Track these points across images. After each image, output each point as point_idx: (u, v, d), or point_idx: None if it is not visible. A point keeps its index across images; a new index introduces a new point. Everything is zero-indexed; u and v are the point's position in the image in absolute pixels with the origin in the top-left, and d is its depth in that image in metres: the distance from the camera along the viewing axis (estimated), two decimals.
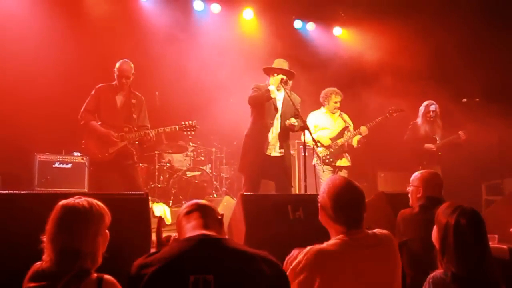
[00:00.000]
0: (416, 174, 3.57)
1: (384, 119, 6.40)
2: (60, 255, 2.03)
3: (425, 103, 6.84)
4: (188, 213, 2.11)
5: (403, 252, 3.35)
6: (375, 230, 2.37)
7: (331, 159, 6.20)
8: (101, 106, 5.47)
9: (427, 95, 6.98)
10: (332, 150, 6.20)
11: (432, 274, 2.29)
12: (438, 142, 6.82)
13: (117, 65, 5.52)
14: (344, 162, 6.36)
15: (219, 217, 2.14)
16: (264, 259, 1.88)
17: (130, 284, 1.77)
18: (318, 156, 6.26)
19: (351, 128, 6.41)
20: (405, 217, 3.41)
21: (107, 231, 2.18)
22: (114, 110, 5.48)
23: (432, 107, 6.75)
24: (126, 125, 5.47)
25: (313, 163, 6.29)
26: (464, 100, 6.80)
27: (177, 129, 5.65)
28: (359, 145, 6.34)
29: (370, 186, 8.31)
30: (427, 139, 6.78)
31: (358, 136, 6.26)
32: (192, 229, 1.99)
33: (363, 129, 6.21)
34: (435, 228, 2.46)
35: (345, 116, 6.57)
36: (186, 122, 5.69)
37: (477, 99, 6.77)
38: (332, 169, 6.21)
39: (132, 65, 5.56)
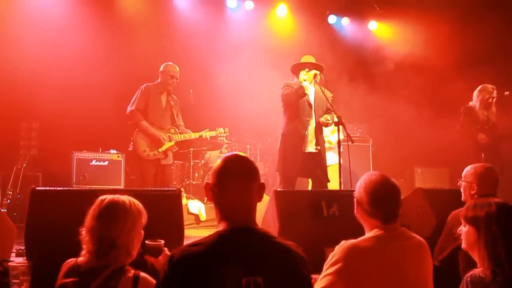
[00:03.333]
0: (469, 169, 3.35)
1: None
2: (97, 245, 2.08)
3: (485, 86, 6.23)
4: None
5: (458, 257, 3.21)
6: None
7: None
8: (150, 105, 5.71)
9: (465, 90, 6.75)
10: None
11: (470, 273, 2.21)
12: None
13: (167, 67, 5.80)
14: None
15: None
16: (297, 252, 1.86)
17: (172, 272, 1.68)
18: None
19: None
20: (458, 219, 3.23)
21: (142, 230, 2.22)
22: (161, 111, 5.79)
23: (495, 92, 6.17)
24: (172, 126, 5.83)
25: None
26: (507, 93, 6.50)
27: (215, 135, 6.15)
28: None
29: (407, 182, 8.15)
30: (488, 126, 6.16)
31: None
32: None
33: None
34: (467, 228, 2.36)
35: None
36: (222, 129, 6.22)
37: None
38: None
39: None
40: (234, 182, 1.84)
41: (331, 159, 6.23)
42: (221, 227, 1.82)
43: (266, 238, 1.82)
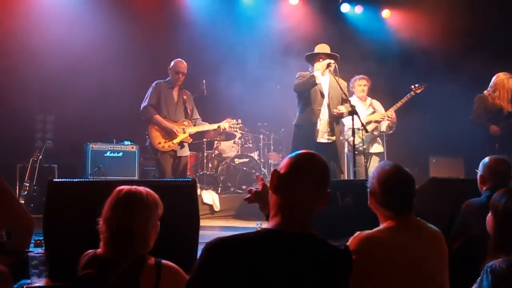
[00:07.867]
0: (483, 161, 3.35)
1: (409, 98, 6.21)
2: (114, 235, 2.09)
3: (502, 74, 5.94)
4: None
5: (473, 247, 3.20)
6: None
7: (364, 147, 5.92)
8: (162, 101, 5.93)
9: (479, 78, 6.63)
10: (364, 138, 5.81)
11: (490, 263, 2.19)
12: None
13: (174, 63, 5.97)
14: (376, 148, 6.31)
15: None
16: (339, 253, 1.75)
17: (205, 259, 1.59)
18: (349, 144, 6.10)
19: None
20: (472, 208, 3.20)
21: (158, 222, 2.22)
22: (173, 105, 5.99)
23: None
24: (185, 119, 6.03)
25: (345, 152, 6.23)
26: None
27: (226, 128, 6.27)
28: (390, 131, 6.22)
29: (421, 172, 8.06)
30: (503, 115, 5.88)
31: (387, 122, 6.13)
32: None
33: (389, 113, 6.07)
34: (490, 216, 2.40)
35: (376, 103, 6.43)
36: (235, 121, 6.35)
37: None
38: (364, 156, 5.89)
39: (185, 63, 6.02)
40: (307, 181, 1.71)
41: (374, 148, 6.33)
42: (272, 223, 1.70)
43: (316, 247, 1.68)
